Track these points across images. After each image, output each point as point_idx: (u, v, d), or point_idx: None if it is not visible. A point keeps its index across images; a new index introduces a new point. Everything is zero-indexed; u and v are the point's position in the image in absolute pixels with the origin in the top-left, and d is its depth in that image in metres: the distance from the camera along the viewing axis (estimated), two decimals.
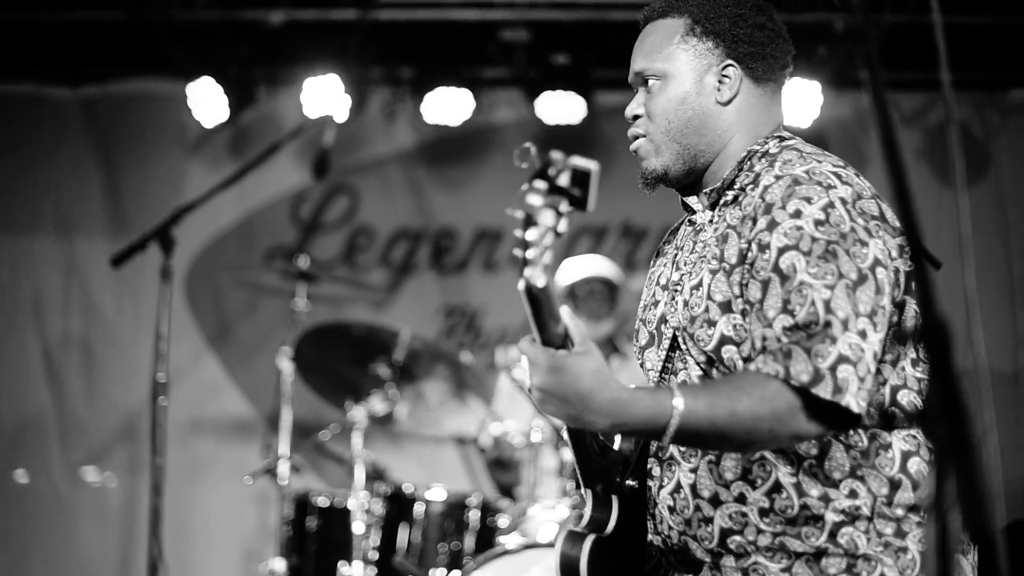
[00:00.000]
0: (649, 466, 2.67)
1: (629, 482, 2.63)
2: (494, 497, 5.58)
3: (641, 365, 2.80)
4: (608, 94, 7.21)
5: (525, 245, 2.15)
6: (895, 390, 2.50)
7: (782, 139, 2.67)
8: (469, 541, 5.33)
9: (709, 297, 2.53)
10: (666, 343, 2.67)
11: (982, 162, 7.28)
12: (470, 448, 6.92)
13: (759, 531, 2.50)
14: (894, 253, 2.46)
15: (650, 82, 2.70)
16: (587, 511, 2.60)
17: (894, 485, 2.47)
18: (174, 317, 7.14)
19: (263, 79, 7.38)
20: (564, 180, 2.13)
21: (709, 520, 2.54)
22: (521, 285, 2.18)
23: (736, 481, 2.53)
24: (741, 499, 2.52)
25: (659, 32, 2.72)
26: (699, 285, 2.56)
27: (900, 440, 2.49)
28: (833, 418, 2.34)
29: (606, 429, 2.31)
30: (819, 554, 2.46)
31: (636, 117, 2.73)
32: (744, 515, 2.51)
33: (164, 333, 4.89)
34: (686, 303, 2.59)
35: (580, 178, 2.14)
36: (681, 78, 2.67)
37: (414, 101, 7.21)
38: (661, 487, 2.63)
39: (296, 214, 7.64)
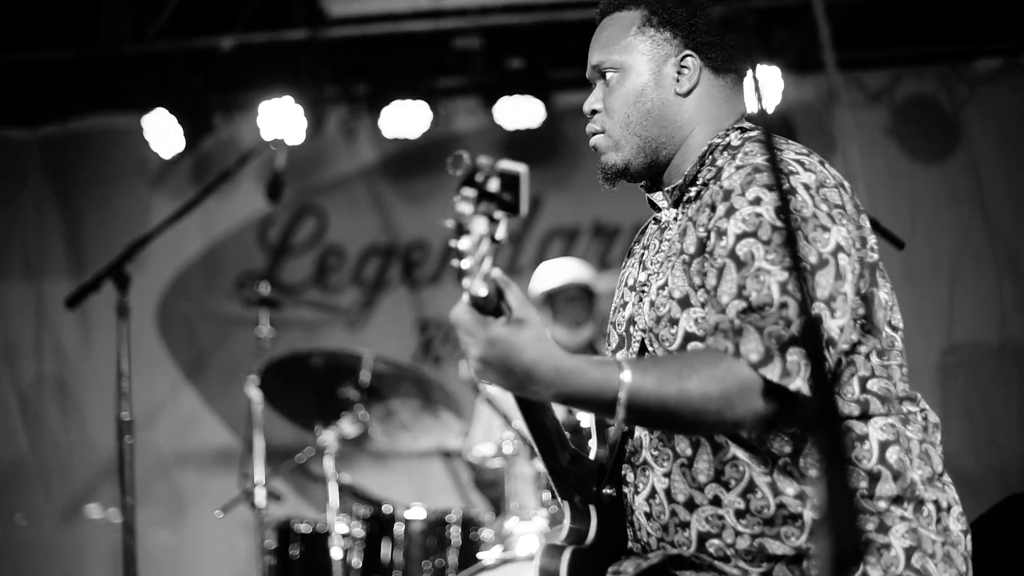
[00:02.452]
0: (624, 472, 2.60)
1: (606, 491, 2.59)
2: (474, 512, 5.53)
3: None
4: (566, 95, 7.15)
5: (460, 255, 2.09)
6: (863, 380, 2.42)
7: (744, 130, 2.60)
8: (452, 557, 5.29)
9: (670, 296, 2.47)
10: (635, 346, 2.60)
11: (952, 135, 7.18)
12: (456, 461, 6.85)
13: (737, 533, 2.43)
14: (857, 244, 2.39)
15: (608, 75, 2.64)
16: (566, 523, 2.55)
17: (873, 477, 2.40)
18: (150, 351, 7.19)
19: (219, 106, 7.35)
20: (493, 186, 2.07)
21: (686, 525, 2.48)
22: (465, 297, 2.13)
23: (710, 483, 2.45)
24: (716, 501, 2.44)
25: (616, 24, 2.67)
26: (665, 285, 2.50)
27: (877, 430, 2.41)
28: (783, 403, 2.25)
29: (551, 399, 2.26)
30: (799, 557, 2.39)
31: (594, 112, 2.66)
32: (720, 518, 2.44)
33: (125, 371, 4.82)
34: (652, 304, 2.53)
35: (509, 182, 2.08)
36: (639, 70, 2.60)
37: (372, 117, 7.13)
38: (636, 493, 2.57)
39: (264, 239, 7.58)
